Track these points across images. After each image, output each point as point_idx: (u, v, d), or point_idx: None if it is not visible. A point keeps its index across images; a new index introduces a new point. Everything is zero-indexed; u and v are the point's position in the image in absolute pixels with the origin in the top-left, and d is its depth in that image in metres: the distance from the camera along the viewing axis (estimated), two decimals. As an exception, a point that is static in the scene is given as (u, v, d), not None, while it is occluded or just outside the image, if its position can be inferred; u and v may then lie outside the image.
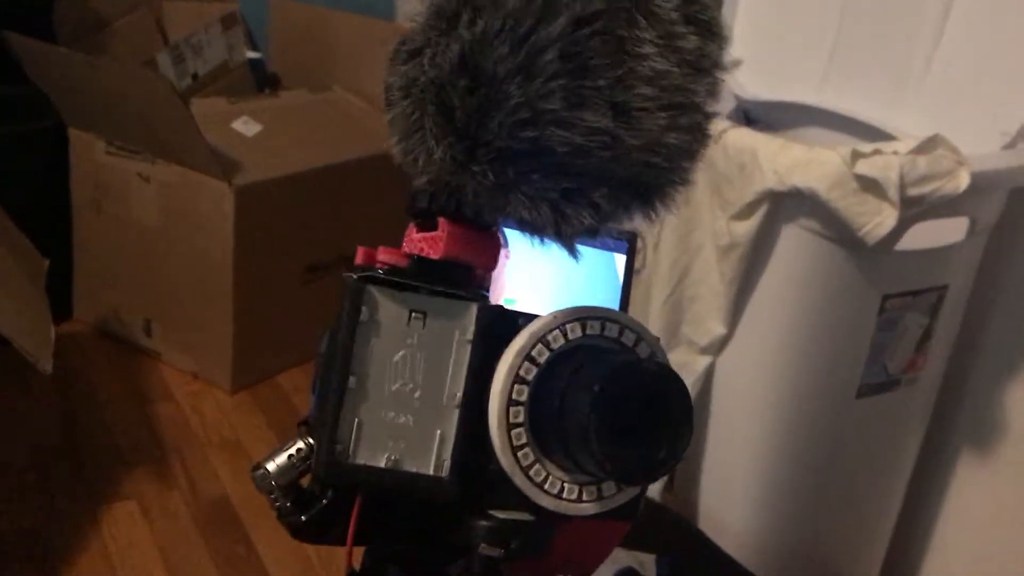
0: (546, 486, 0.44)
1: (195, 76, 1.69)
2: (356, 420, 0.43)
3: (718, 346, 0.97)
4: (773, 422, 0.97)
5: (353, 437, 0.43)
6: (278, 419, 1.53)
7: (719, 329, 0.95)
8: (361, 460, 0.43)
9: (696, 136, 0.45)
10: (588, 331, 0.44)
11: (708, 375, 0.99)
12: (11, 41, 1.47)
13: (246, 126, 1.58)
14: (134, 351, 1.66)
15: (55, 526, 1.26)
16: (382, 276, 0.45)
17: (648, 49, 0.42)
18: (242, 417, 1.53)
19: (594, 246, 0.49)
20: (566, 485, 0.44)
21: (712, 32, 0.44)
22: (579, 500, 0.44)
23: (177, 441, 1.46)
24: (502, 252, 0.48)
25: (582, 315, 0.44)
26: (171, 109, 1.39)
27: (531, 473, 0.44)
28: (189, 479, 1.38)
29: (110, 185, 1.58)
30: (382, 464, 0.43)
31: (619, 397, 0.40)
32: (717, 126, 0.92)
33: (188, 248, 1.53)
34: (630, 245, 0.47)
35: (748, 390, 0.97)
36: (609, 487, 0.45)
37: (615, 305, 0.50)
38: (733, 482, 1.03)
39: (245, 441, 1.48)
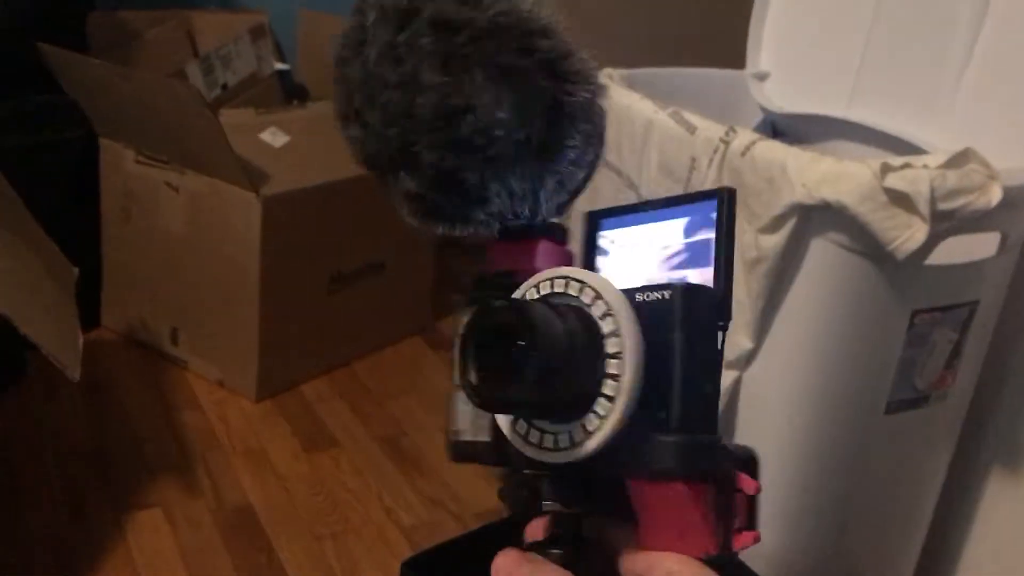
0: (528, 438, 0.45)
1: (224, 87, 1.71)
2: (462, 408, 0.48)
3: (745, 360, 0.96)
4: (800, 437, 0.96)
5: (460, 421, 0.48)
6: (302, 428, 1.54)
7: (746, 343, 0.94)
8: (469, 438, 0.48)
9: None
10: (542, 291, 0.46)
11: (735, 389, 0.98)
12: (44, 52, 1.49)
13: (274, 137, 1.59)
14: (161, 359, 1.67)
15: (81, 532, 1.27)
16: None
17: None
18: (266, 426, 1.54)
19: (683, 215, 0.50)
20: (540, 434, 0.45)
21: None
22: (542, 446, 0.45)
23: (202, 449, 1.47)
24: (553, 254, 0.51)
25: (544, 277, 0.46)
26: (200, 119, 1.40)
27: (516, 427, 0.45)
28: (213, 487, 1.38)
29: (139, 194, 1.60)
30: (488, 439, 0.47)
31: (470, 334, 0.41)
32: (745, 138, 0.91)
33: (215, 257, 1.54)
34: (719, 202, 0.47)
35: (775, 405, 0.96)
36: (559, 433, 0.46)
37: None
38: (760, 497, 1.01)
39: (269, 450, 1.48)
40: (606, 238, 0.50)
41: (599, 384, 0.42)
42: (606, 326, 0.43)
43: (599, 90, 0.49)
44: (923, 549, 1.13)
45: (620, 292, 0.44)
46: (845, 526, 1.02)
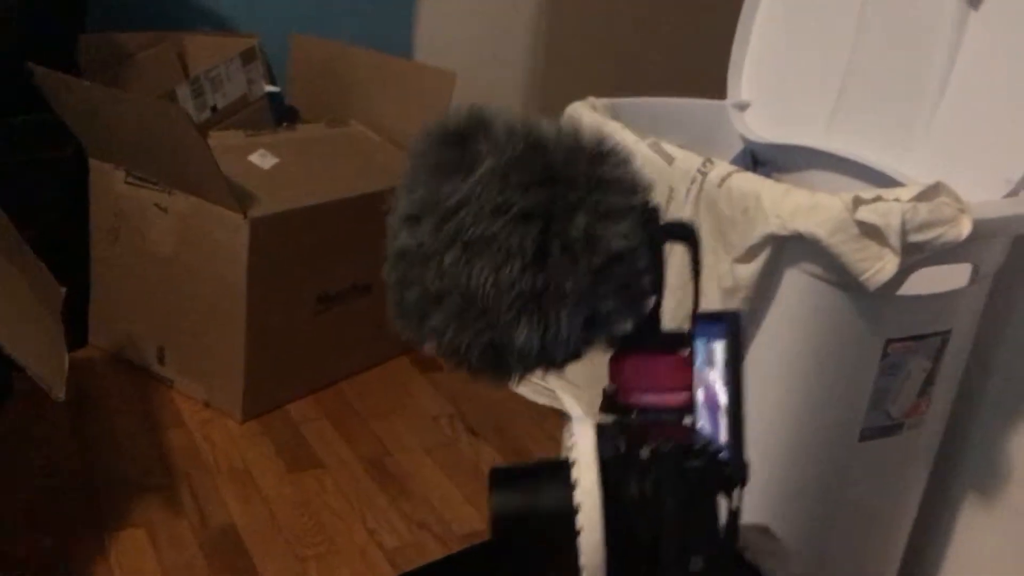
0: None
1: (214, 109, 1.72)
2: None
3: (721, 387, 0.97)
4: (776, 464, 0.97)
5: None
6: (287, 448, 1.54)
7: (722, 370, 0.96)
8: None
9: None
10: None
11: (711, 415, 1.00)
12: (35, 72, 1.51)
13: (263, 159, 1.61)
14: (147, 378, 1.68)
15: (64, 551, 1.27)
16: None
17: None
18: (251, 446, 1.54)
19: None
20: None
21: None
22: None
23: (187, 469, 1.47)
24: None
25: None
26: (189, 141, 1.42)
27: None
28: (197, 507, 1.39)
29: (128, 215, 1.61)
30: None
31: None
32: (721, 169, 0.93)
33: (203, 278, 1.55)
34: (730, 327, 0.47)
35: (751, 432, 0.97)
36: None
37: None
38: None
39: (254, 470, 1.49)
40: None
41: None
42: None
43: None
44: (898, 573, 1.14)
45: (592, 456, 0.44)
46: (821, 553, 1.03)
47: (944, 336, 0.97)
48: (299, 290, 1.61)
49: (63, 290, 1.32)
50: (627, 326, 0.50)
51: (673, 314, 1.01)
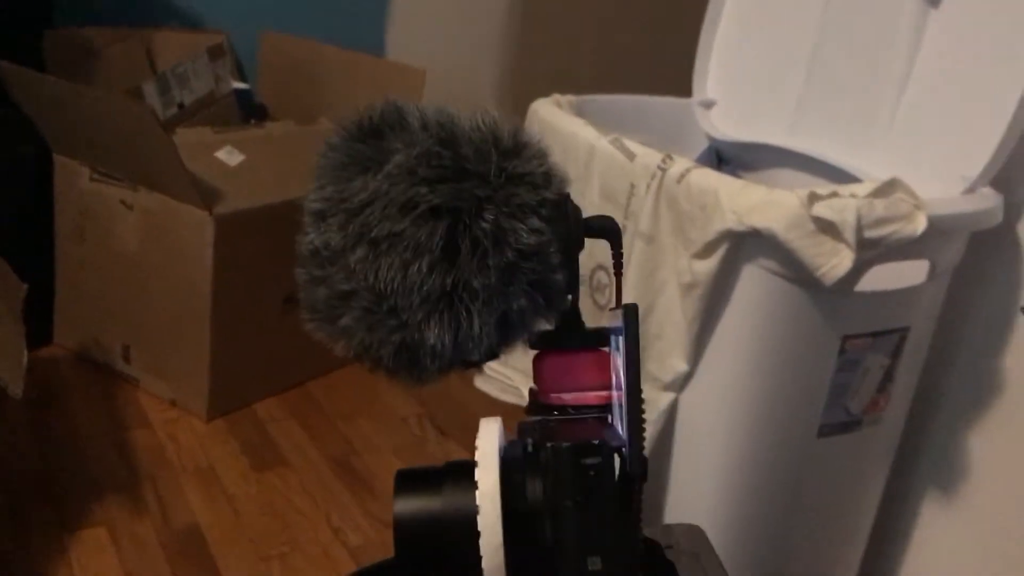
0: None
1: (181, 105, 1.71)
2: None
3: (681, 383, 0.97)
4: (735, 460, 0.97)
5: None
6: (253, 448, 1.53)
7: (682, 366, 0.96)
8: None
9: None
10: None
11: (671, 412, 1.00)
12: (0, 68, 1.49)
13: (229, 156, 1.60)
14: (112, 377, 1.66)
15: (23, 551, 1.26)
16: None
17: None
18: (216, 445, 1.53)
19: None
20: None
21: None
22: None
23: (151, 468, 1.46)
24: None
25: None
26: (154, 138, 1.41)
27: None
28: (160, 507, 1.38)
29: (93, 212, 1.59)
30: None
31: None
32: (681, 165, 0.93)
33: (168, 276, 1.54)
34: (626, 318, 0.47)
35: (710, 427, 0.97)
36: None
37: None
38: (696, 519, 1.03)
39: (219, 469, 1.47)
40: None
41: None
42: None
43: None
44: (859, 570, 1.14)
45: (493, 457, 0.44)
46: (780, 548, 1.03)
47: (902, 333, 0.97)
48: (266, 289, 1.60)
49: (25, 287, 1.31)
50: (544, 324, 0.49)
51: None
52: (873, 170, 1.08)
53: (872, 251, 0.86)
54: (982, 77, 0.98)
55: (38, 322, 1.65)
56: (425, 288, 0.45)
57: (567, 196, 0.49)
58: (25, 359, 1.18)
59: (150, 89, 1.63)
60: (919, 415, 1.11)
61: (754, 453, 0.96)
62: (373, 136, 0.48)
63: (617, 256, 0.53)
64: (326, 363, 1.77)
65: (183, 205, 1.48)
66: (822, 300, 0.90)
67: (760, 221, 0.85)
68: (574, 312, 0.51)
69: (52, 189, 1.64)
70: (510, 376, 1.23)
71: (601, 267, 1.04)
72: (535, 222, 0.46)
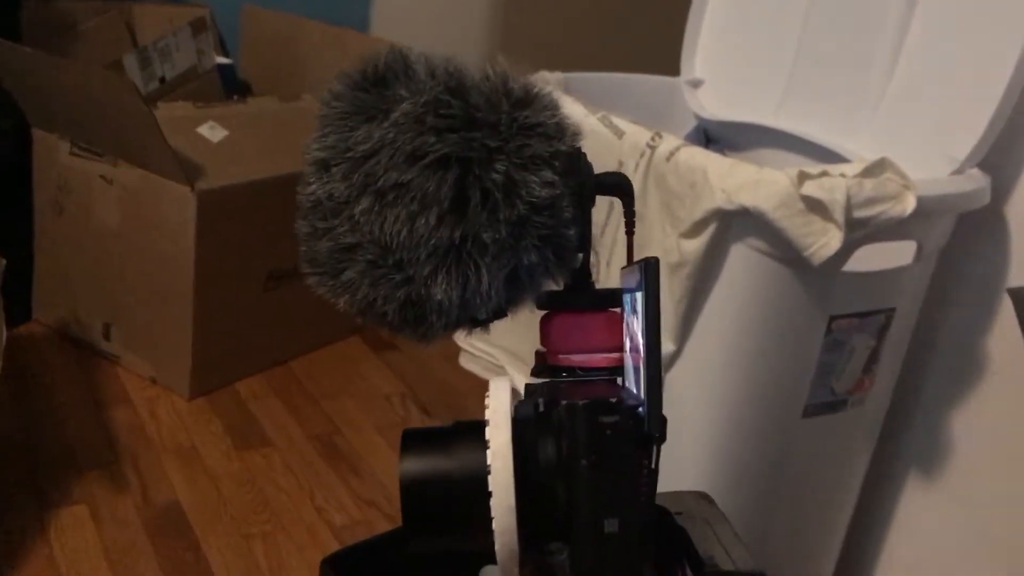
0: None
1: (162, 80, 1.69)
2: None
3: (667, 362, 0.97)
4: (720, 439, 0.97)
5: None
6: (235, 426, 1.52)
7: (668, 345, 0.96)
8: None
9: None
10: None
11: (658, 391, 0.99)
12: (-24, 39, 1.47)
13: (212, 131, 1.58)
14: (93, 354, 1.65)
15: (3, 528, 1.24)
16: None
17: None
18: (198, 423, 1.52)
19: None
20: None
21: None
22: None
23: (132, 446, 1.45)
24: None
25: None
26: (135, 112, 1.39)
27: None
28: (141, 484, 1.37)
29: (73, 186, 1.57)
30: None
31: None
32: (670, 143, 0.93)
33: (149, 252, 1.52)
34: (646, 273, 0.45)
35: (696, 407, 0.97)
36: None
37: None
38: (681, 499, 1.03)
39: (200, 447, 1.46)
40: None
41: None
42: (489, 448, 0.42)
43: None
44: (842, 550, 1.15)
45: (504, 416, 0.43)
46: (765, 527, 1.03)
47: (888, 314, 0.97)
48: (249, 266, 1.59)
49: (3, 263, 1.29)
50: (553, 282, 0.48)
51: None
52: (861, 150, 1.07)
53: (861, 231, 0.85)
54: (971, 58, 0.97)
55: (18, 299, 1.63)
56: (432, 241, 0.44)
57: (580, 150, 0.47)
58: (3, 336, 1.16)
59: (131, 62, 1.61)
60: (903, 396, 1.12)
61: (739, 433, 0.96)
62: (377, 85, 0.47)
63: (629, 215, 0.52)
64: (309, 341, 1.76)
65: (165, 181, 1.46)
66: (809, 280, 0.90)
67: (749, 200, 0.84)
68: (584, 271, 0.50)
69: (30, 163, 1.61)
70: (494, 355, 1.23)
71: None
72: (548, 174, 0.45)
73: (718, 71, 1.27)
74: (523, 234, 0.44)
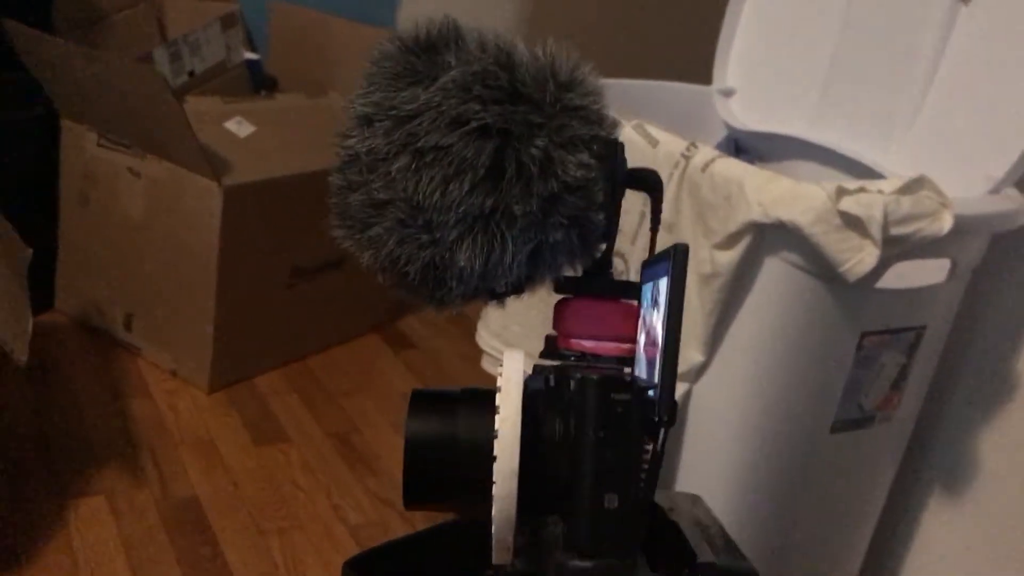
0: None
1: (191, 74, 1.69)
2: None
3: (695, 373, 0.97)
4: (746, 452, 0.97)
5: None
6: (253, 421, 1.53)
7: (697, 356, 0.95)
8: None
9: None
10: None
11: (685, 401, 0.99)
12: (8, 28, 1.47)
13: (239, 126, 1.58)
14: (113, 345, 1.65)
15: (22, 518, 1.25)
16: None
17: None
18: (217, 417, 1.52)
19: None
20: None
21: None
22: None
23: (150, 438, 1.45)
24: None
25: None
26: (164, 105, 1.39)
27: None
28: (160, 477, 1.37)
29: (99, 177, 1.58)
30: None
31: None
32: (705, 154, 0.92)
33: (173, 245, 1.52)
34: (675, 258, 0.44)
35: (723, 418, 0.97)
36: None
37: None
38: (703, 510, 1.02)
39: (218, 441, 1.47)
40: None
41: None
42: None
43: None
44: (863, 566, 1.14)
45: (517, 385, 0.42)
46: (787, 541, 1.03)
47: (919, 331, 0.97)
48: (272, 262, 1.59)
49: (30, 251, 1.30)
50: (574, 267, 0.49)
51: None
52: (894, 166, 1.07)
53: (896, 248, 0.85)
54: (1011, 77, 0.97)
55: (40, 287, 1.63)
56: (463, 207, 0.44)
57: (618, 140, 0.48)
58: (30, 325, 1.17)
59: (161, 56, 1.61)
60: (930, 413, 1.11)
61: (766, 446, 0.96)
62: (427, 51, 0.47)
63: (656, 211, 0.52)
64: (328, 338, 1.76)
65: (191, 174, 1.46)
66: (842, 295, 0.89)
67: (786, 213, 0.84)
68: (606, 259, 0.50)
69: (58, 153, 1.62)
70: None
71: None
72: (584, 157, 0.45)
73: (751, 81, 1.26)
74: (552, 211, 0.45)
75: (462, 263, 0.44)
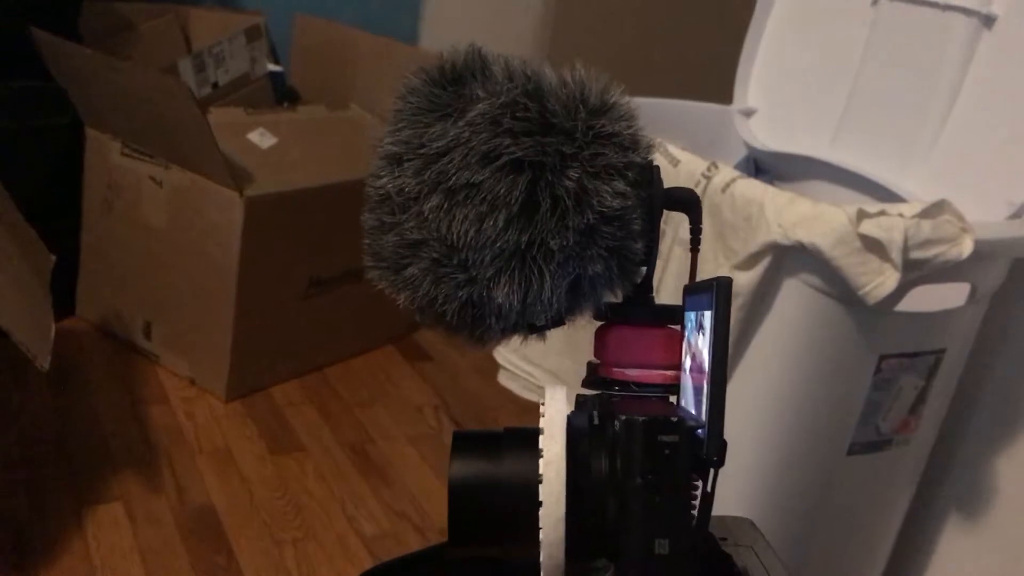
0: None
1: (215, 85, 1.71)
2: None
3: (712, 393, 0.97)
4: (762, 473, 0.97)
5: None
6: (269, 431, 1.53)
7: (715, 376, 0.95)
8: None
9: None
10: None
11: (701, 421, 0.99)
12: (36, 37, 1.49)
13: (262, 138, 1.59)
14: (132, 352, 1.67)
15: (40, 523, 1.26)
16: None
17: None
18: (234, 427, 1.53)
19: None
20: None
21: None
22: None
23: (168, 446, 1.46)
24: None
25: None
26: (188, 116, 1.40)
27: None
28: (176, 485, 1.38)
29: (122, 186, 1.59)
30: None
31: None
32: (726, 174, 0.93)
33: (194, 254, 1.54)
34: (718, 292, 0.43)
35: (740, 439, 0.97)
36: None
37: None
38: (718, 530, 1.02)
39: (235, 450, 1.48)
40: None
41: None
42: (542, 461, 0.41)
43: None
44: (877, 590, 1.14)
45: (560, 426, 0.41)
46: (802, 563, 1.03)
47: (938, 355, 0.97)
48: (291, 273, 1.60)
49: (53, 258, 1.31)
50: (615, 294, 0.48)
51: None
52: (915, 189, 1.07)
53: (916, 272, 0.85)
54: (1032, 101, 0.97)
55: (61, 294, 1.65)
56: (499, 244, 0.43)
57: (653, 163, 0.47)
58: (53, 331, 1.18)
59: (185, 66, 1.63)
60: (948, 437, 1.11)
61: (782, 467, 0.96)
62: (454, 83, 0.46)
63: (696, 231, 0.51)
64: (345, 349, 1.77)
65: (214, 185, 1.48)
66: (861, 318, 0.89)
67: (806, 236, 0.84)
68: (647, 284, 0.49)
69: (82, 162, 1.63)
70: (534, 374, 1.23)
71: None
72: (620, 185, 0.44)
73: (771, 101, 1.27)
74: (590, 243, 0.44)
75: (500, 300, 0.44)
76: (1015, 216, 0.95)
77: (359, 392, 1.69)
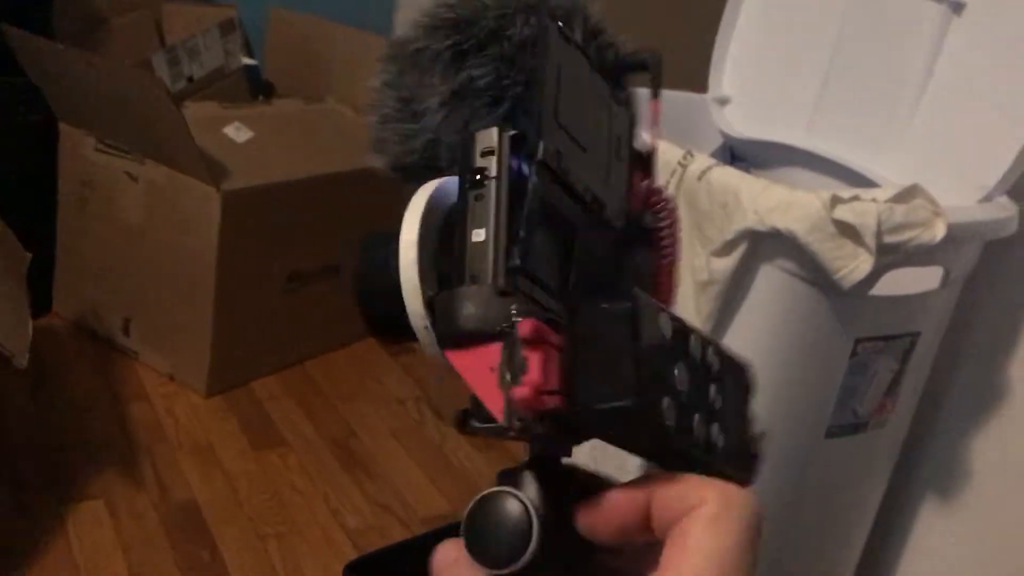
0: None
1: (190, 79, 1.70)
2: None
3: (691, 379, 0.97)
4: (741, 457, 0.97)
5: None
6: (251, 426, 1.53)
7: (693, 363, 0.96)
8: None
9: None
10: None
11: (680, 407, 1.00)
12: (8, 34, 1.48)
13: (237, 132, 1.59)
14: (111, 349, 1.66)
15: (21, 521, 1.25)
16: None
17: None
18: (215, 422, 1.53)
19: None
20: None
21: None
22: None
23: (148, 442, 1.45)
24: None
25: None
26: (163, 110, 1.40)
27: None
28: (158, 481, 1.37)
29: (97, 182, 1.58)
30: None
31: None
32: (702, 162, 0.93)
33: (171, 250, 1.53)
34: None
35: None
36: None
37: None
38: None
39: (217, 446, 1.47)
40: None
41: None
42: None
43: None
44: (857, 569, 1.15)
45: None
46: (782, 546, 1.04)
47: (913, 338, 0.98)
48: (270, 267, 1.60)
49: (28, 256, 1.30)
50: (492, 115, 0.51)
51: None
52: (888, 174, 1.08)
53: (890, 256, 0.86)
54: (1003, 86, 0.98)
55: (38, 291, 1.63)
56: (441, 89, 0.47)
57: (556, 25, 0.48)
58: (30, 329, 1.17)
59: (159, 61, 1.62)
60: (923, 419, 1.12)
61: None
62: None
63: (656, 84, 0.51)
64: (326, 343, 1.77)
65: (190, 179, 1.47)
66: (837, 302, 0.90)
67: (781, 222, 0.85)
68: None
69: (56, 158, 1.62)
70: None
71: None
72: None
73: (746, 89, 1.27)
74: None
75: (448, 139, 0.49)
76: (986, 200, 0.96)
77: (341, 386, 1.69)
